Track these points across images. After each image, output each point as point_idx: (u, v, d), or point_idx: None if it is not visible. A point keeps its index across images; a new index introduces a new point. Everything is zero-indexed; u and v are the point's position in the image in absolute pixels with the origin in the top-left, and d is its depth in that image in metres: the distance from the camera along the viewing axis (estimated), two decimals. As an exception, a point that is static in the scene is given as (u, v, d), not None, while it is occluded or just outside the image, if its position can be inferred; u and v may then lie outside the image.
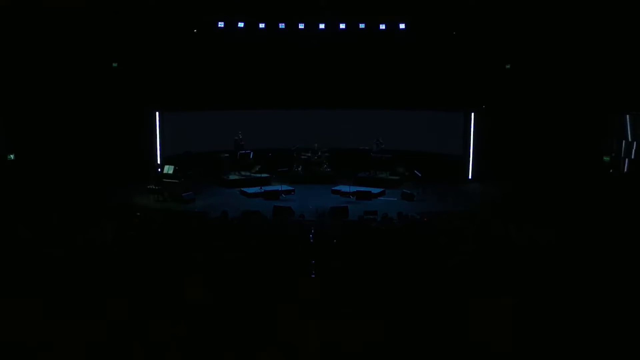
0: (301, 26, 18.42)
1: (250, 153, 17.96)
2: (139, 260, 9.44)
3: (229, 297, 8.06)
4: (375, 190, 16.46)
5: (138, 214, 13.37)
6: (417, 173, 16.28)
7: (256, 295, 8.20)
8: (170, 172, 15.82)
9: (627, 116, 16.57)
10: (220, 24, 18.47)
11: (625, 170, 16.52)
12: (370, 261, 9.43)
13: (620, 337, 7.28)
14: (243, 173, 17.85)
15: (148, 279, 8.63)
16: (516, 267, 9.48)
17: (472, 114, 18.55)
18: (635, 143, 16.32)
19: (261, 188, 16.37)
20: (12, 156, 16.15)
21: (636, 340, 7.21)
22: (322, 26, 18.41)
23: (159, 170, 16.15)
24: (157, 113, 18.30)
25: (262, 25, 18.49)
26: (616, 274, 9.15)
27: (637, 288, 8.59)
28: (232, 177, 17.67)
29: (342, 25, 18.45)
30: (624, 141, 16.59)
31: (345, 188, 16.23)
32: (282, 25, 18.37)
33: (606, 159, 17.11)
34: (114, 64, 17.82)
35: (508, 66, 18.43)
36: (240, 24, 18.34)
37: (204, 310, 7.65)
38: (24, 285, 8.37)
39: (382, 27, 18.39)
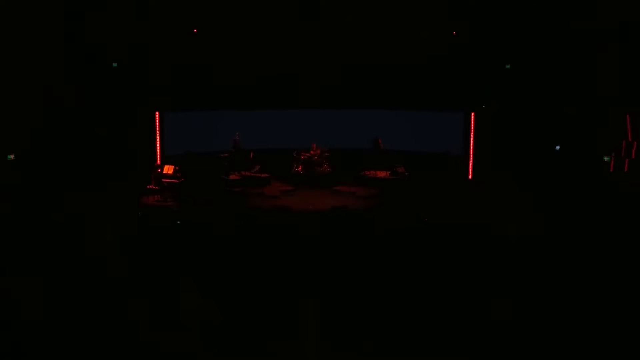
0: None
1: (250, 153, 17.96)
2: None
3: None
4: None
5: (139, 213, 13.39)
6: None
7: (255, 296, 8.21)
8: (170, 172, 15.82)
9: (627, 116, 16.55)
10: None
11: (626, 170, 16.49)
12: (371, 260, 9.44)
13: (619, 336, 7.28)
14: (243, 173, 17.85)
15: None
16: (515, 267, 9.49)
17: (472, 114, 18.54)
18: (635, 143, 16.30)
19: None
20: (11, 156, 16.13)
21: (635, 339, 7.22)
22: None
23: (159, 170, 16.14)
24: (157, 113, 18.28)
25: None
26: (616, 273, 9.16)
27: (637, 287, 8.60)
28: (232, 177, 17.66)
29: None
30: (624, 141, 16.56)
31: None
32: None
33: (606, 159, 17.08)
34: (114, 64, 17.78)
35: (508, 66, 18.40)
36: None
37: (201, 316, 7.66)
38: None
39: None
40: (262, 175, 17.75)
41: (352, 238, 10.98)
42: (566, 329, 7.44)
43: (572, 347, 7.12)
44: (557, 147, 17.71)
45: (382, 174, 18.01)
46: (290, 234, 11.34)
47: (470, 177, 18.62)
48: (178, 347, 7.11)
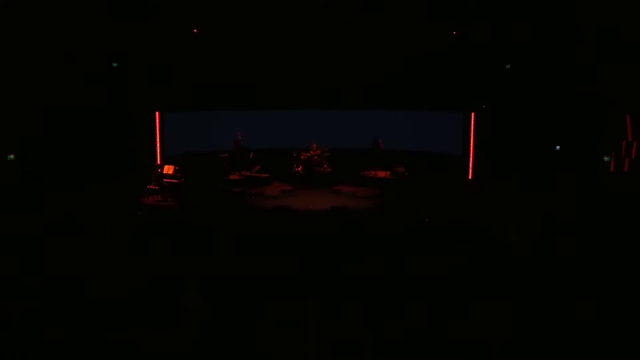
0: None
1: (250, 153, 17.97)
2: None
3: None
4: None
5: (139, 213, 13.40)
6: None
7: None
8: (170, 172, 15.82)
9: (627, 116, 16.55)
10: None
11: (625, 170, 16.48)
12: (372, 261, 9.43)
13: (619, 336, 7.28)
14: (243, 173, 17.87)
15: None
16: (515, 267, 9.49)
17: (472, 114, 18.55)
18: (635, 143, 16.29)
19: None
20: (11, 156, 16.13)
21: (634, 339, 7.22)
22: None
23: (159, 170, 16.15)
24: (157, 113, 18.28)
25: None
26: (616, 273, 9.16)
27: (638, 287, 8.60)
28: (232, 177, 17.68)
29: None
30: (624, 141, 16.56)
31: None
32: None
33: (606, 159, 17.08)
34: (114, 64, 17.77)
35: (508, 66, 18.39)
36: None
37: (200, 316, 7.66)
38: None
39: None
40: (262, 175, 17.76)
41: (352, 238, 10.98)
42: (567, 330, 7.44)
43: (573, 347, 7.12)
44: (557, 147, 17.72)
45: (382, 174, 18.01)
46: (290, 234, 11.35)
47: (470, 177, 18.62)
48: (177, 347, 7.11)
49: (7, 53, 15.86)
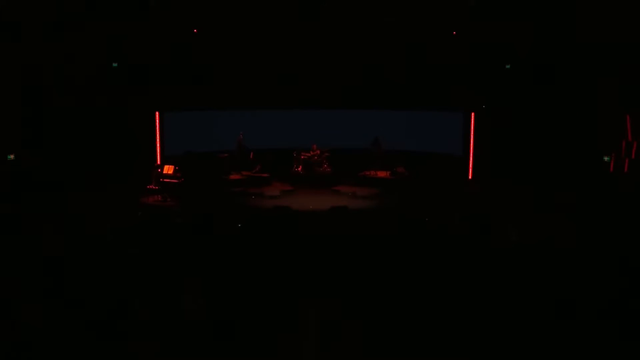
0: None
1: (250, 152, 17.99)
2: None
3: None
4: None
5: (139, 213, 13.41)
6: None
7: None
8: (170, 172, 15.84)
9: (627, 116, 16.55)
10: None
11: (625, 170, 16.48)
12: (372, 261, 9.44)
13: (617, 336, 7.29)
14: (244, 173, 17.89)
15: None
16: (515, 267, 9.49)
17: (472, 114, 18.56)
18: (635, 143, 16.29)
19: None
20: (11, 156, 16.13)
21: (634, 339, 7.23)
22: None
23: (159, 170, 16.16)
24: (157, 113, 18.28)
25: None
26: (617, 274, 9.16)
27: (638, 287, 8.60)
28: (232, 176, 17.70)
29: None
30: (624, 141, 16.56)
31: None
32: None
33: (606, 159, 17.08)
34: (114, 64, 17.78)
35: (508, 66, 18.40)
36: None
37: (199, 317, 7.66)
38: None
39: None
40: (262, 175, 17.78)
41: (352, 238, 10.97)
42: (566, 330, 7.44)
43: (573, 347, 7.13)
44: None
45: (382, 174, 18.02)
46: (290, 234, 11.34)
47: (470, 177, 18.63)
48: (177, 347, 7.12)
49: (6, 53, 15.86)
